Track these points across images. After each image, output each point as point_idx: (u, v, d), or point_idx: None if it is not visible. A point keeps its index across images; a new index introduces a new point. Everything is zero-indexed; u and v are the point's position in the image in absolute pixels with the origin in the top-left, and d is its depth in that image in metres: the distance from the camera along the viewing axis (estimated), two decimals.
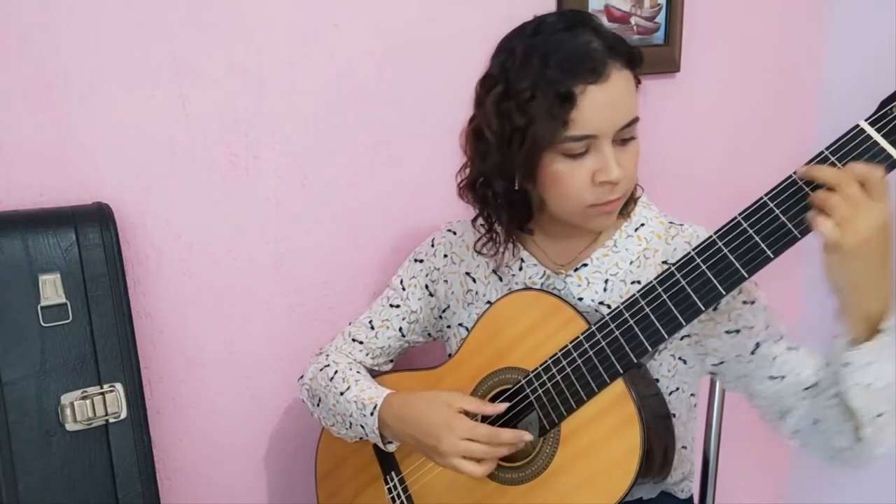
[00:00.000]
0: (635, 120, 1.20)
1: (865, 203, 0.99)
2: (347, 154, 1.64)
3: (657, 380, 1.28)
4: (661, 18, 1.93)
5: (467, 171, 1.33)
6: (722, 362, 1.28)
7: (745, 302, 1.24)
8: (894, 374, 1.08)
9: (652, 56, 1.96)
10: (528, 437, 1.23)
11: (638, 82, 1.24)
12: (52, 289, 1.34)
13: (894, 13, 2.00)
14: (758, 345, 1.23)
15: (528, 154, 1.19)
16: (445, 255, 1.48)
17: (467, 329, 1.41)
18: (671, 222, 1.34)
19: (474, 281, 1.43)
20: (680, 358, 1.30)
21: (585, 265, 1.32)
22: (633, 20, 1.89)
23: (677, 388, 1.32)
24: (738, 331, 1.24)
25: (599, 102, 1.14)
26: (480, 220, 1.37)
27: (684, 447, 1.38)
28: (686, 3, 1.94)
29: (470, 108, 1.30)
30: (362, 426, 1.37)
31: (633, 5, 1.88)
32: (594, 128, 1.16)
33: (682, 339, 1.29)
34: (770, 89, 2.18)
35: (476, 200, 1.34)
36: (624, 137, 1.19)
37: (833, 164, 1.02)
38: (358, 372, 1.45)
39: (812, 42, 2.22)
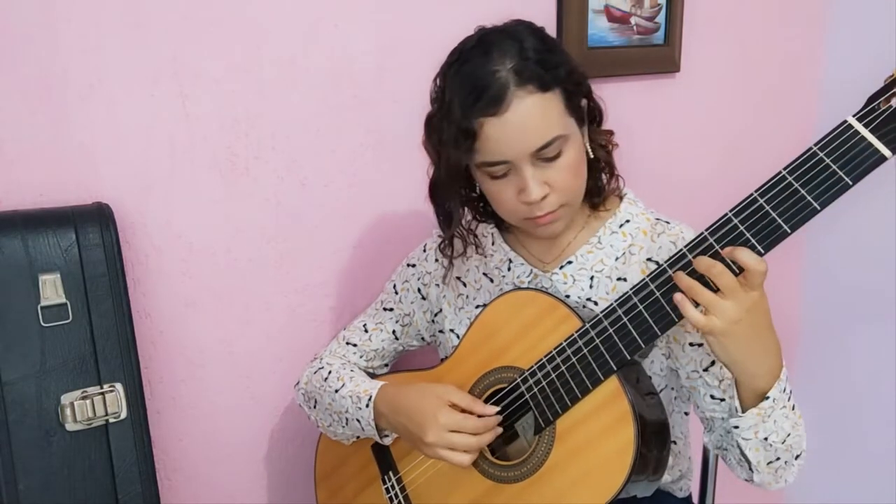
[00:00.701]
0: (555, 140, 1.19)
1: (734, 291, 1.05)
2: (347, 154, 1.65)
3: (650, 377, 1.29)
4: (661, 18, 1.93)
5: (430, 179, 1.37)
6: (676, 369, 1.31)
7: None
8: (791, 425, 1.16)
9: (652, 56, 1.97)
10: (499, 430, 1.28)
11: (573, 94, 1.23)
12: (52, 289, 1.34)
13: (894, 13, 2.00)
14: (712, 363, 1.26)
15: (447, 175, 1.26)
16: (437, 260, 1.49)
17: (458, 335, 1.42)
18: (658, 219, 1.34)
19: (465, 285, 1.44)
20: (663, 353, 1.32)
21: (570, 262, 1.33)
22: (633, 20, 1.89)
23: (665, 386, 1.34)
24: (700, 344, 1.26)
25: (500, 133, 1.17)
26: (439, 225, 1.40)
27: (674, 441, 1.38)
28: (686, 3, 1.94)
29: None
30: (358, 420, 1.38)
31: (633, 5, 1.88)
32: (501, 155, 1.19)
33: None
34: (770, 89, 2.18)
35: (434, 205, 1.38)
36: (546, 157, 1.20)
37: (821, 161, 1.03)
38: (352, 370, 1.47)
39: (812, 42, 2.22)
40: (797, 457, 1.20)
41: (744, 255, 1.04)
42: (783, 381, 1.13)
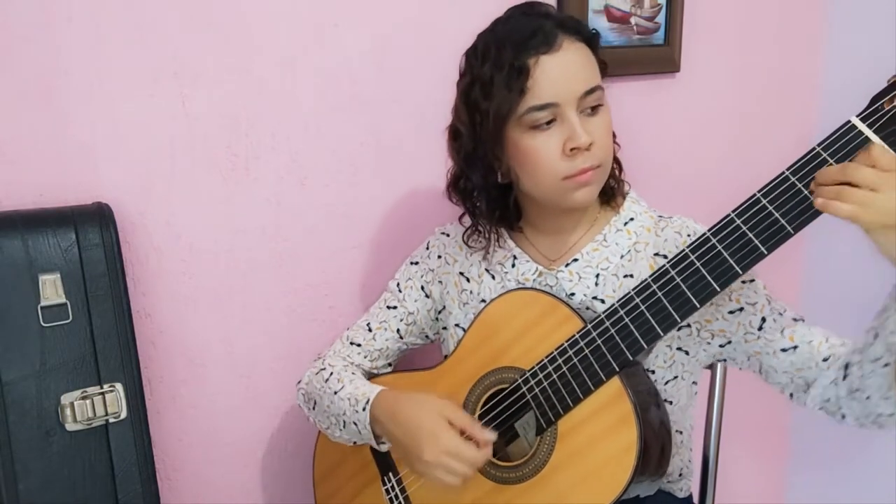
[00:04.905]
0: (597, 88, 1.24)
1: (883, 181, 0.98)
2: (347, 154, 1.64)
3: (653, 371, 1.29)
4: (661, 18, 1.93)
5: (451, 173, 1.39)
6: (729, 342, 1.28)
7: (743, 282, 1.25)
8: None
9: (652, 56, 1.96)
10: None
11: (604, 65, 1.29)
12: (52, 289, 1.34)
13: (894, 12, 2.00)
14: (763, 319, 1.24)
15: (494, 130, 1.25)
16: (440, 257, 1.49)
17: (463, 329, 1.41)
18: (660, 216, 1.36)
19: (468, 280, 1.43)
20: (678, 348, 1.31)
21: (576, 260, 1.33)
22: (633, 20, 1.89)
23: (676, 377, 1.32)
24: (741, 308, 1.25)
25: (554, 70, 1.21)
26: (466, 217, 1.41)
27: (679, 432, 1.38)
28: (686, 3, 1.94)
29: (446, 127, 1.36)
30: (355, 423, 1.37)
31: (633, 5, 1.88)
32: (553, 95, 1.21)
33: (678, 329, 1.27)
34: (770, 89, 2.18)
35: (459, 197, 1.39)
36: (590, 105, 1.24)
37: (825, 162, 1.02)
38: (353, 373, 1.46)
39: (812, 42, 2.22)
40: None
41: (868, 153, 0.99)
42: None
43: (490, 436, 1.26)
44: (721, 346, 1.29)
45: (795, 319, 1.24)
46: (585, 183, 1.24)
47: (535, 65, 1.20)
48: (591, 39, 1.27)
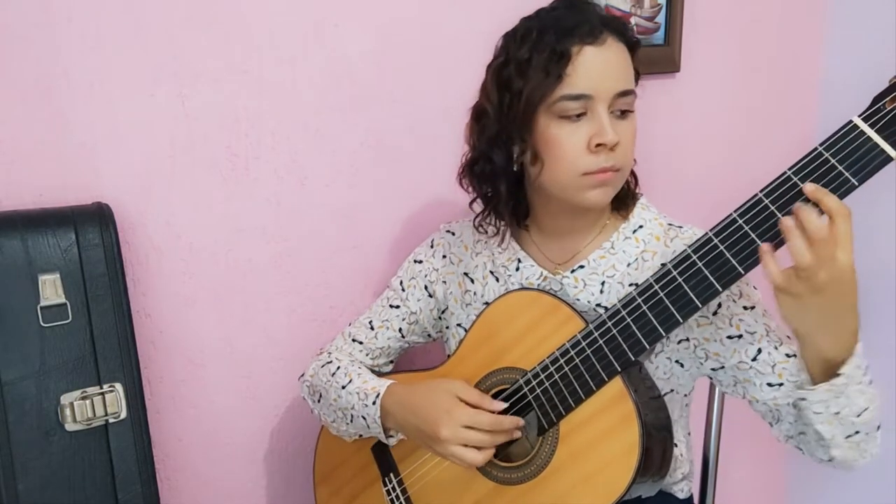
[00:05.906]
0: (631, 92, 1.23)
1: (824, 258, 0.99)
2: (347, 154, 1.64)
3: (652, 378, 1.28)
4: (661, 18, 1.93)
5: (468, 156, 1.35)
6: (722, 367, 1.28)
7: (745, 307, 1.25)
8: (867, 400, 1.12)
9: (652, 56, 1.96)
10: (522, 422, 1.25)
11: (637, 73, 1.27)
12: (51, 289, 1.34)
13: (894, 12, 2.00)
14: (759, 351, 1.23)
15: (524, 112, 1.22)
16: (444, 256, 1.48)
17: (465, 329, 1.41)
18: (670, 224, 1.34)
19: (472, 281, 1.43)
20: (676, 361, 1.30)
21: (582, 266, 1.31)
22: (633, 20, 1.89)
23: (671, 390, 1.33)
24: (740, 336, 1.24)
25: (595, 62, 1.19)
26: (478, 203, 1.39)
27: (675, 445, 1.38)
28: (686, 3, 1.94)
29: (470, 107, 1.33)
30: (364, 417, 1.37)
31: (633, 5, 1.88)
32: (589, 87, 1.19)
33: (679, 342, 1.29)
34: (770, 89, 2.18)
35: (474, 180, 1.36)
36: (621, 108, 1.22)
37: (826, 162, 1.03)
38: (359, 368, 1.46)
39: (812, 42, 2.22)
40: (878, 428, 1.17)
41: (828, 199, 1.00)
42: (858, 355, 1.09)
43: (500, 405, 1.26)
44: (713, 369, 1.30)
45: (789, 355, 1.23)
46: (602, 183, 1.23)
47: (577, 53, 1.18)
48: (633, 45, 1.25)
